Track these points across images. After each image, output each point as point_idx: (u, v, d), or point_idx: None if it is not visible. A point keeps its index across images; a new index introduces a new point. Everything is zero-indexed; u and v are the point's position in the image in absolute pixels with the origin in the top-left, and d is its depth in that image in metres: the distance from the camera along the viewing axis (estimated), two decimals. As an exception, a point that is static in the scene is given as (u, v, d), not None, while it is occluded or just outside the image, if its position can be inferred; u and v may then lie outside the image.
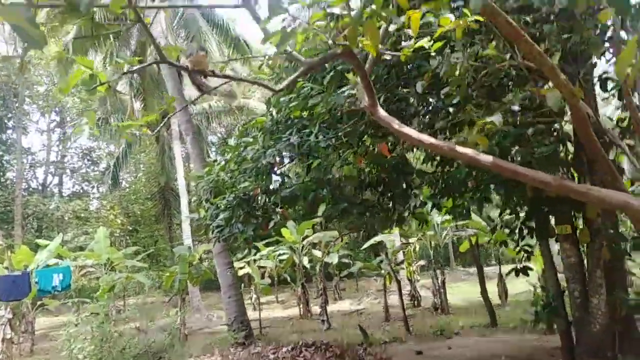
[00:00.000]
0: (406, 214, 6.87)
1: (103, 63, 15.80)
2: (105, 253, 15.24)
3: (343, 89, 4.12)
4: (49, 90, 28.83)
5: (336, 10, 1.95)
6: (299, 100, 5.01)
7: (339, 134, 5.21)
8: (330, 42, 2.12)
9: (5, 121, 29.87)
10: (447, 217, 9.90)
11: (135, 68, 2.29)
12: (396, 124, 2.25)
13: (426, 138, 2.12)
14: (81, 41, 14.60)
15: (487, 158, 1.97)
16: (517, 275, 6.38)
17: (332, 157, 5.45)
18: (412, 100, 4.54)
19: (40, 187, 34.80)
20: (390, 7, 2.63)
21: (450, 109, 4.34)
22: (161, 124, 3.73)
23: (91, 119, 2.54)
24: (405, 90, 4.55)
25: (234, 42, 17.09)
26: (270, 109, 6.32)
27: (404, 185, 5.43)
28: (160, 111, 3.24)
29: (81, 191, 36.55)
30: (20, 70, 23.52)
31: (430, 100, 4.10)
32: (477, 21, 2.31)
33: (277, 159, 5.78)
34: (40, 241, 15.67)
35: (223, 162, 7.13)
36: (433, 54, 2.95)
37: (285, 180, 6.35)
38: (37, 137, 37.19)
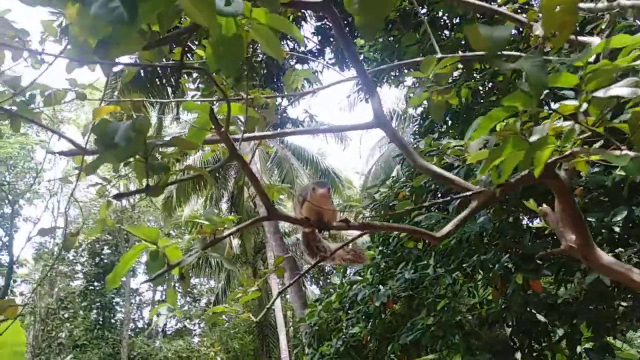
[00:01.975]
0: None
1: (204, 206, 16.46)
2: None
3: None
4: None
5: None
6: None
7: (464, 264, 4.35)
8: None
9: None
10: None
11: (227, 233, 1.76)
12: (636, 274, 1.45)
13: None
14: (184, 184, 15.26)
15: None
16: None
17: (460, 294, 4.53)
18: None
19: (145, 326, 35.78)
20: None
21: None
22: (269, 304, 2.99)
23: (170, 297, 2.05)
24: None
25: (324, 174, 17.74)
26: (376, 241, 5.68)
27: (563, 329, 4.28)
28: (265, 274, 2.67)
29: (183, 328, 37.07)
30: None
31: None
32: None
33: (391, 297, 4.95)
34: (142, 388, 15.56)
35: (326, 302, 6.42)
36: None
37: (400, 322, 5.42)
38: (144, 277, 39.32)
